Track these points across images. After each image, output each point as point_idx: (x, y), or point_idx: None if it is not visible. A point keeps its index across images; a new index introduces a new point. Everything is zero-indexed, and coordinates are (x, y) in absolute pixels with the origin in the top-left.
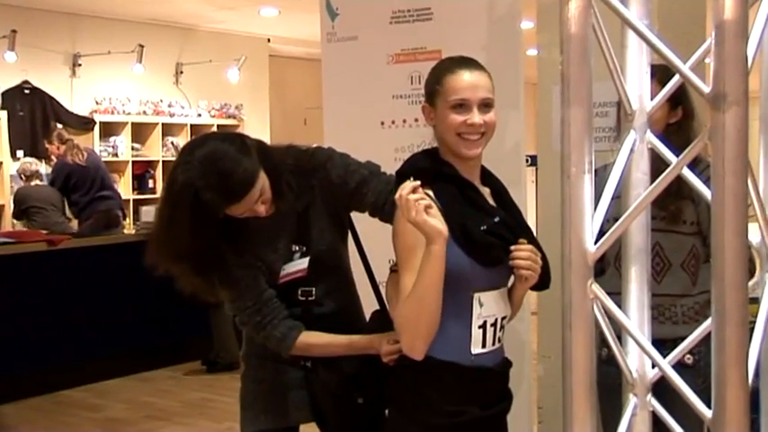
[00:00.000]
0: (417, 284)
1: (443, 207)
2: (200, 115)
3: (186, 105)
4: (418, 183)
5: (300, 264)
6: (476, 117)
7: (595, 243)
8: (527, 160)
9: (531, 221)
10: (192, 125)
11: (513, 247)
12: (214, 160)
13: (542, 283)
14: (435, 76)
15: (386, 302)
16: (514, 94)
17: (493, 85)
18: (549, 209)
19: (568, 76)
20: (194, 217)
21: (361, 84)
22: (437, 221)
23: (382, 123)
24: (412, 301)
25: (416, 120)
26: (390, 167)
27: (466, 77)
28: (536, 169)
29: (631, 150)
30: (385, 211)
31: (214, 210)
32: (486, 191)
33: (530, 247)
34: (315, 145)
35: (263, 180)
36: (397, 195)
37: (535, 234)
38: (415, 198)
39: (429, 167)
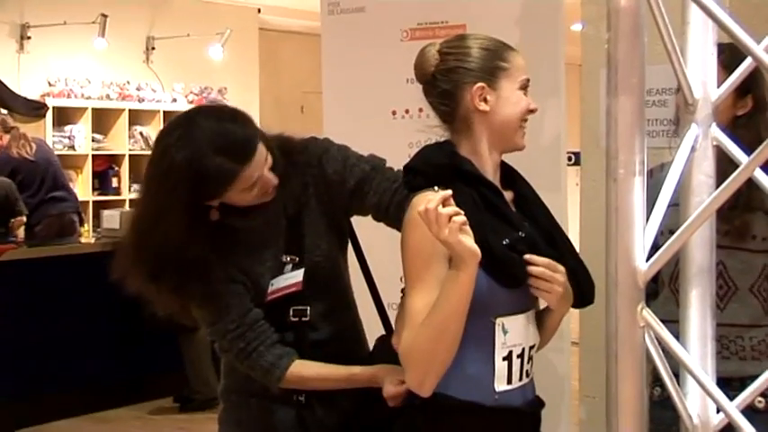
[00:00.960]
0: (437, 312)
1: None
2: (175, 100)
3: (158, 88)
4: (449, 193)
5: (293, 277)
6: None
7: (647, 260)
8: (569, 158)
9: (574, 233)
10: (165, 112)
11: (526, 257)
12: (216, 121)
13: (582, 299)
14: (492, 51)
15: (394, 329)
16: (553, 77)
17: None
18: (594, 218)
19: (616, 58)
20: (192, 207)
21: (369, 64)
22: (472, 241)
23: (394, 113)
24: (428, 331)
25: None
26: (402, 165)
27: (521, 58)
28: (580, 169)
29: (693, 148)
30: (390, 213)
31: (224, 182)
32: (508, 195)
33: (545, 260)
34: (309, 136)
35: (264, 154)
36: (421, 208)
37: (578, 248)
38: (447, 213)
39: (447, 164)
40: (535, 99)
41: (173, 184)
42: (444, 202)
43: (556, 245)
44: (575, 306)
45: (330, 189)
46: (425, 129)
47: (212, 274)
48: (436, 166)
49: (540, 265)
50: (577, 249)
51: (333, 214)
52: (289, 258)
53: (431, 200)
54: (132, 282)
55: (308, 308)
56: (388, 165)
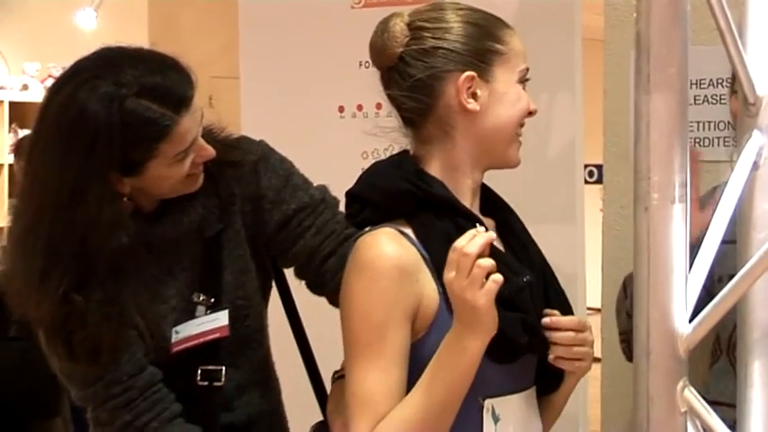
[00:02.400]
0: (430, 399)
1: (431, 257)
2: (26, 87)
3: (3, 70)
4: (492, 236)
5: (211, 321)
6: (530, 100)
7: (691, 320)
8: (589, 174)
9: (594, 277)
10: (12, 103)
11: (548, 320)
12: (138, 59)
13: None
14: (482, 28)
15: (329, 419)
16: (566, 62)
17: None
18: (621, 259)
19: (647, 37)
20: (109, 182)
21: (306, 41)
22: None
23: (341, 110)
24: (415, 420)
25: None
26: (352, 183)
27: (519, 41)
28: (603, 189)
29: (755, 164)
30: (329, 266)
31: (155, 135)
32: (489, 223)
33: (574, 319)
34: (238, 134)
35: (200, 115)
36: (460, 245)
37: (599, 301)
38: (487, 267)
39: (408, 190)
40: (540, 93)
41: (89, 139)
42: (484, 252)
43: (556, 292)
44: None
45: (258, 208)
46: (386, 131)
47: (92, 311)
48: (393, 193)
49: (567, 328)
50: (598, 302)
51: (257, 244)
52: (202, 298)
53: (471, 241)
54: (40, 311)
55: (223, 368)
56: (336, 202)
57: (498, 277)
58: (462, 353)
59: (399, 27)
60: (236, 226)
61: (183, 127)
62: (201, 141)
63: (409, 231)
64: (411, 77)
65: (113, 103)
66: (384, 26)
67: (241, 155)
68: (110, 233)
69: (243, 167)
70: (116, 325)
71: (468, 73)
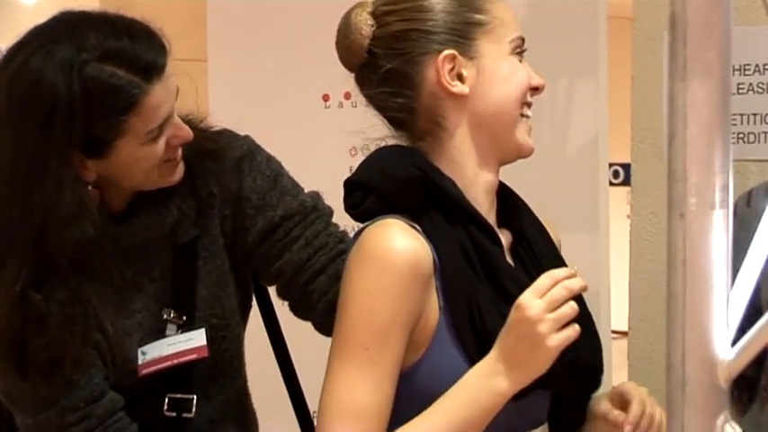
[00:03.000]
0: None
1: (440, 263)
2: None
3: None
4: (583, 285)
5: (185, 342)
6: (534, 74)
7: (733, 344)
8: (614, 174)
9: (620, 296)
10: None
11: (613, 416)
12: (108, 19)
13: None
14: (458, 0)
15: None
16: (588, 43)
17: None
18: (652, 272)
19: (683, 17)
20: (69, 162)
21: (285, 19)
22: None
23: (325, 98)
24: None
25: None
26: (341, 186)
27: (509, 7)
28: (631, 191)
29: None
30: (316, 286)
31: (121, 105)
32: (505, 237)
33: (640, 401)
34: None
35: (175, 88)
36: (559, 275)
37: (626, 323)
38: (575, 309)
39: (418, 177)
40: (558, 80)
41: (45, 112)
42: (578, 294)
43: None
44: None
45: (240, 213)
46: (379, 124)
47: (51, 323)
48: (403, 180)
49: (635, 411)
50: (624, 324)
51: (237, 254)
52: (172, 314)
53: (576, 278)
54: None
55: (194, 396)
56: (328, 209)
57: (578, 328)
58: (491, 392)
59: (362, 17)
60: (213, 232)
61: (154, 98)
62: (177, 119)
63: (418, 228)
64: (383, 70)
65: (72, 70)
66: (346, 20)
67: (221, 149)
68: (71, 221)
69: (224, 163)
70: (81, 331)
71: (446, 52)
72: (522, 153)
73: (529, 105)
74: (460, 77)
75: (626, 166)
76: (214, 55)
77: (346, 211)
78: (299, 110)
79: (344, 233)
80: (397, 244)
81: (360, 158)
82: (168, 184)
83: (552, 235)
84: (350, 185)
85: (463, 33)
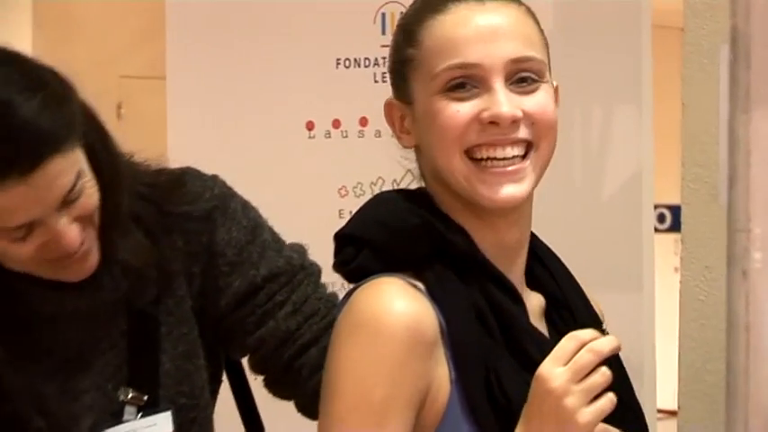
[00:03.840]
0: None
1: (448, 327)
2: None
3: None
4: (615, 344)
5: (148, 428)
6: (501, 101)
7: None
8: (660, 218)
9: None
10: None
11: None
12: None
13: None
14: (410, 25)
15: None
16: (630, 63)
17: (540, 34)
18: (704, 338)
19: (747, 36)
20: None
21: (260, 31)
22: None
23: (310, 126)
24: None
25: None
26: (329, 235)
27: (471, 16)
28: (681, 240)
29: None
30: (301, 363)
31: None
32: (534, 300)
33: None
34: (183, 166)
35: (79, 165)
36: (584, 336)
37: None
38: (608, 376)
39: (422, 224)
40: (593, 106)
41: None
42: (610, 366)
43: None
44: None
45: (212, 270)
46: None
47: None
48: (399, 230)
49: None
50: (673, 402)
51: (205, 320)
52: (131, 395)
53: (605, 339)
54: None
55: None
56: (312, 263)
57: (613, 397)
58: None
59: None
60: (178, 293)
61: (6, 200)
62: (61, 226)
63: (421, 287)
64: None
65: None
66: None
67: (189, 197)
68: None
69: (190, 211)
70: (12, 420)
71: (388, 100)
72: (484, 206)
73: (483, 146)
74: (403, 129)
75: (674, 209)
76: (174, 74)
77: (335, 269)
78: (276, 140)
79: (335, 296)
80: (393, 306)
81: (351, 200)
82: (69, 279)
83: (595, 308)
84: (341, 239)
85: (400, 74)
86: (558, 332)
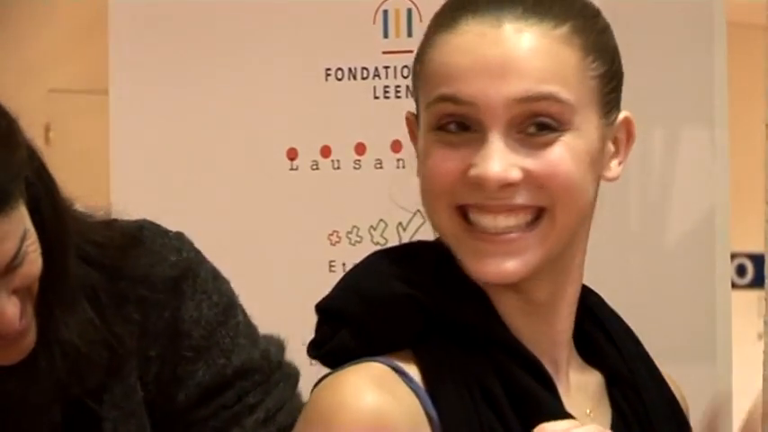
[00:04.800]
0: None
1: (440, 416)
2: None
3: None
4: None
5: None
6: (490, 158)
7: None
8: (740, 270)
9: None
10: None
11: None
12: None
13: None
14: (427, 30)
15: None
16: (700, 74)
17: (584, 64)
18: None
19: None
20: None
21: (230, 37)
22: None
23: (292, 156)
24: None
25: (400, 147)
26: (316, 296)
27: (478, 42)
28: (766, 297)
29: None
30: None
31: None
32: (591, 379)
33: None
34: (137, 219)
35: (23, 224)
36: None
37: None
38: None
39: (407, 294)
40: (653, 128)
41: None
42: None
43: None
44: None
45: (172, 354)
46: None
47: None
48: (378, 302)
49: None
50: None
51: (158, 413)
52: None
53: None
54: None
55: None
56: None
57: None
58: None
59: None
60: (128, 381)
61: None
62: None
63: (413, 371)
64: None
65: None
66: None
67: (148, 262)
68: None
69: (151, 278)
70: None
71: (408, 112)
72: (478, 279)
73: (473, 208)
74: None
75: (757, 259)
76: (118, 84)
77: (309, 353)
78: (250, 173)
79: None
80: (353, 400)
81: (345, 249)
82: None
83: (676, 394)
84: (322, 313)
85: (414, 88)
86: (622, 416)
